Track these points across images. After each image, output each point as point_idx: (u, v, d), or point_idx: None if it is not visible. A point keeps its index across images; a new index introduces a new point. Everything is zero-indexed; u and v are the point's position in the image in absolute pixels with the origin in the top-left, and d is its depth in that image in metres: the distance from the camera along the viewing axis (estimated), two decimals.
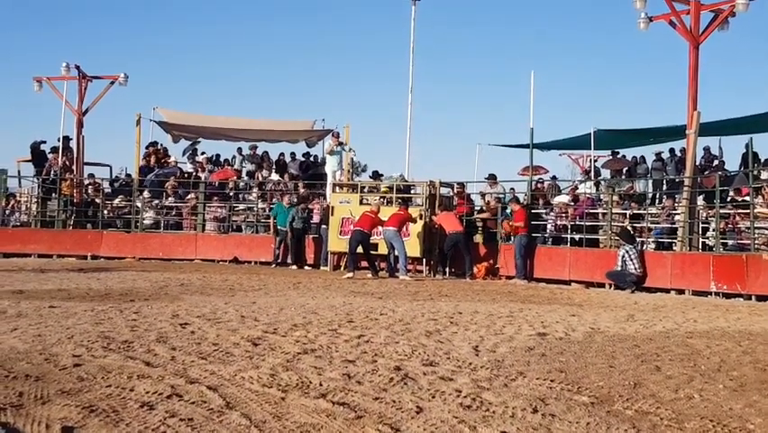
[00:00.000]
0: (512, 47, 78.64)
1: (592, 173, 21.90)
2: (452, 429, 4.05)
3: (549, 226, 17.71)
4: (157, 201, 22.26)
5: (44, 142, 23.48)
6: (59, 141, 23.12)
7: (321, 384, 4.96)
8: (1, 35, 68.13)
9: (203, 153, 25.26)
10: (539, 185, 20.32)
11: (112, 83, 23.43)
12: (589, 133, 20.43)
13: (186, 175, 23.59)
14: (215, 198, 21.85)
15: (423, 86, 65.53)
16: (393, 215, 16.65)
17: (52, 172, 22.42)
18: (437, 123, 73.35)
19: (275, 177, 23.46)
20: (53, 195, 22.38)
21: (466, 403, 4.60)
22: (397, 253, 16.35)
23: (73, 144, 23.44)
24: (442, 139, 75.97)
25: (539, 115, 35.36)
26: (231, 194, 22.19)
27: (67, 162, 22.80)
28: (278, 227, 18.90)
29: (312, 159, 24.94)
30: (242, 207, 22.00)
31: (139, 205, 21.86)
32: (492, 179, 19.66)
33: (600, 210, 17.72)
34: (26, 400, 4.28)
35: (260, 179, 23.35)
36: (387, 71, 72.08)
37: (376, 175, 21.00)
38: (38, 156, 23.20)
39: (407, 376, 5.31)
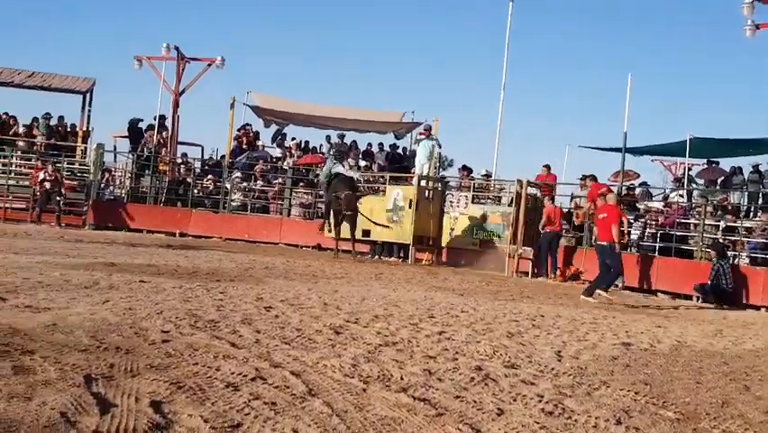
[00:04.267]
0: (609, 48, 77.10)
1: (685, 181, 21.26)
2: None
3: (637, 233, 17.30)
4: (245, 184, 22.65)
5: (141, 120, 24.19)
6: (155, 119, 23.78)
7: (402, 378, 4.95)
8: (106, 14, 70.25)
9: (292, 139, 25.58)
10: (629, 191, 19.84)
11: (209, 65, 23.97)
12: (685, 141, 19.86)
13: (274, 159, 23.94)
14: (301, 183, 22.10)
15: (514, 83, 64.84)
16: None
17: (146, 150, 23.06)
18: (527, 121, 72.52)
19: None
20: (147, 171, 23.02)
21: (548, 409, 4.53)
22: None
23: (168, 123, 24.08)
24: (530, 138, 75.09)
25: (633, 118, 34.66)
26: (316, 180, 22.40)
27: (162, 140, 23.42)
28: None
29: (399, 150, 24.96)
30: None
31: (228, 186, 22.29)
32: (585, 179, 19.19)
33: (693, 220, 17.23)
34: (116, 372, 4.38)
35: (346, 167, 23.48)
36: (479, 67, 71.70)
37: (466, 169, 20.85)
38: (134, 133, 23.89)
39: (488, 377, 5.25)
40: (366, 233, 18.52)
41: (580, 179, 19.25)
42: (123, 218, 21.44)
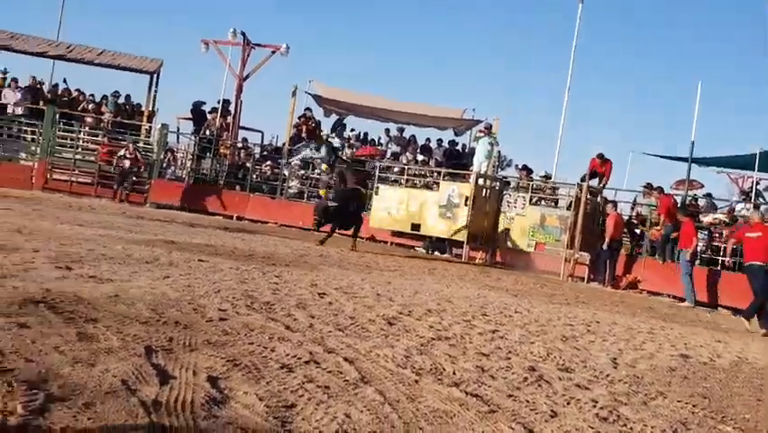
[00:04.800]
0: (679, 55, 75.64)
1: (753, 195, 20.76)
2: None
3: (700, 245, 16.95)
4: (303, 172, 22.80)
5: (204, 102, 24.51)
6: (218, 103, 24.08)
7: (454, 373, 4.93)
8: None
9: (352, 130, 25.67)
10: (693, 201, 19.47)
11: (273, 52, 24.16)
12: (754, 154, 19.41)
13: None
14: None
15: (579, 86, 64.16)
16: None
17: (208, 132, 23.37)
18: (589, 125, 71.59)
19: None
20: (208, 154, 23.33)
21: (602, 415, 4.46)
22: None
23: (231, 108, 24.37)
24: (591, 143, 74.08)
25: (700, 128, 33.99)
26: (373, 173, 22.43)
27: (224, 124, 23.71)
28: None
29: (458, 147, 24.87)
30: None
31: (286, 173, 22.47)
32: (652, 189, 18.88)
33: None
34: (175, 345, 4.45)
35: (404, 161, 23.49)
36: (544, 69, 70.97)
37: (525, 169, 20.67)
38: (197, 115, 24.22)
39: (542, 378, 5.20)
40: (415, 227, 18.52)
41: (644, 186, 18.95)
42: (183, 198, 21.79)
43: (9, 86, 23.38)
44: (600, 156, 19.32)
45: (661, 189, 17.67)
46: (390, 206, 18.93)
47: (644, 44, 75.21)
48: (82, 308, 5.04)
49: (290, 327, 5.60)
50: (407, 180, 20.75)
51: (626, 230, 17.85)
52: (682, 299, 15.15)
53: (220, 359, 4.26)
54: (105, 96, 24.71)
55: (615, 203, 17.71)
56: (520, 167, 21.15)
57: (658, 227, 17.04)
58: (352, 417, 3.64)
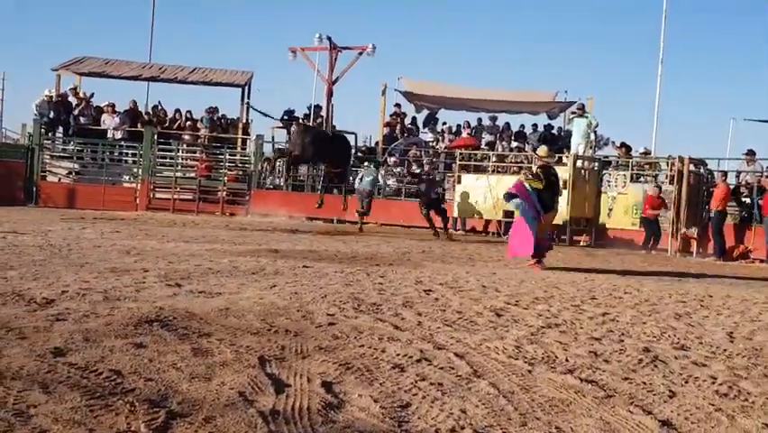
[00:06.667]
0: None
1: None
2: (708, 417, 3.82)
3: None
4: (399, 169, 22.88)
5: (293, 111, 24.85)
6: (308, 108, 24.41)
7: (567, 360, 4.86)
8: (259, 8, 72.50)
9: (444, 123, 25.59)
10: None
11: (360, 53, 24.29)
12: None
13: (427, 144, 24.05)
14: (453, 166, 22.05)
15: (673, 55, 62.08)
16: None
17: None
18: (687, 95, 69.22)
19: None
20: None
21: (722, 391, 4.34)
22: None
23: (322, 113, 24.65)
24: (691, 112, 71.69)
25: None
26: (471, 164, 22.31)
27: None
28: None
29: (554, 131, 24.49)
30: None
31: (382, 172, 22.58)
32: (751, 155, 18.20)
33: None
34: (287, 353, 4.53)
35: (500, 150, 23.26)
36: (634, 41, 68.94)
37: (624, 146, 20.18)
38: (289, 124, 24.56)
39: (657, 359, 5.08)
40: (508, 214, 18.35)
41: (746, 154, 18.26)
42: (283, 206, 22.17)
43: (107, 111, 24.26)
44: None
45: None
46: (475, 194, 18.81)
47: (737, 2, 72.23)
48: (194, 323, 5.19)
49: (399, 326, 5.63)
50: (498, 168, 20.58)
51: (733, 198, 17.22)
52: None
53: (332, 364, 4.32)
54: (203, 118, 25.36)
55: (725, 174, 17.10)
56: (618, 145, 20.69)
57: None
58: (468, 412, 3.63)
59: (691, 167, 17.15)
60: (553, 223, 17.69)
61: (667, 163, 18.52)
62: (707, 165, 18.52)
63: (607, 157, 20.97)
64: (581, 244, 17.71)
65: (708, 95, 69.47)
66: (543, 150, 12.40)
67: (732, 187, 17.40)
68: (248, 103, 24.96)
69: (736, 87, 68.30)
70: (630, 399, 4.05)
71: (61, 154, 24.07)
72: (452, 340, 5.23)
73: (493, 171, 20.17)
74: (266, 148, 24.04)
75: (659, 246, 16.76)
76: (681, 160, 17.03)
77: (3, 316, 5.05)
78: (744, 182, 18.05)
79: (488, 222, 19.81)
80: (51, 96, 23.76)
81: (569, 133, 21.86)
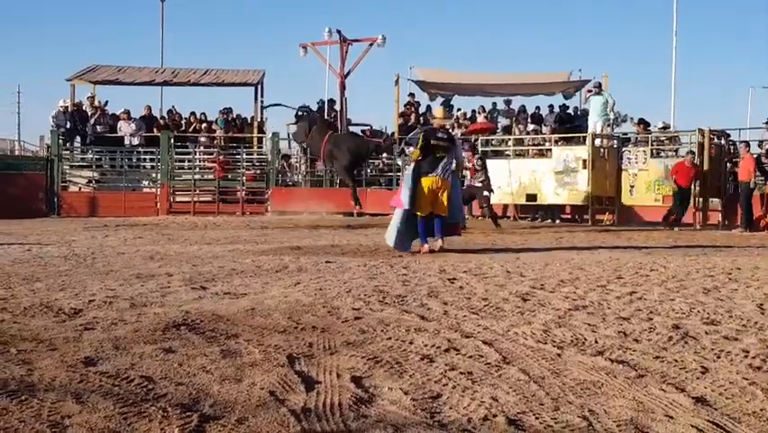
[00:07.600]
0: None
1: None
2: (742, 391, 3.78)
3: None
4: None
5: (307, 106, 24.83)
6: (318, 103, 24.41)
7: (596, 342, 4.83)
8: (270, 7, 72.56)
9: (459, 110, 25.51)
10: None
11: (371, 45, 24.24)
12: None
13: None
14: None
15: (687, 26, 61.49)
16: None
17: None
18: (703, 65, 68.59)
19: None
20: None
21: (755, 364, 4.29)
22: None
23: (336, 107, 24.65)
24: (708, 83, 71.02)
25: None
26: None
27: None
28: None
29: (570, 111, 24.36)
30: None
31: (399, 163, 22.53)
32: None
33: None
34: (315, 350, 4.53)
35: (517, 133, 23.15)
36: (647, 14, 68.37)
37: (642, 122, 20.02)
38: (304, 119, 24.55)
39: (687, 335, 5.04)
40: (531, 197, 18.27)
41: (766, 122, 18.07)
42: (303, 202, 22.20)
43: (122, 118, 24.39)
44: None
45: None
46: (498, 179, 18.71)
47: None
48: (221, 325, 5.21)
49: (425, 316, 5.61)
50: (516, 152, 20.46)
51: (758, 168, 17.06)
52: None
53: (361, 358, 4.31)
54: (217, 120, 25.41)
55: (747, 144, 16.91)
56: (636, 121, 20.53)
57: None
58: (499, 399, 3.61)
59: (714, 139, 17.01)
60: (573, 203, 17.70)
61: (689, 137, 18.36)
62: (729, 136, 18.34)
63: (626, 134, 20.82)
64: (605, 222, 17.61)
65: (724, 64, 68.77)
66: (438, 111, 12.09)
67: (755, 156, 17.24)
68: (261, 101, 25.01)
69: (752, 56, 67.57)
70: (662, 377, 4.02)
71: (80, 164, 24.28)
72: (479, 328, 5.21)
73: (513, 156, 20.07)
74: (282, 144, 24.11)
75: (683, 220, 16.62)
76: (702, 132, 16.88)
77: (32, 328, 5.08)
78: (766, 151, 17.86)
79: (505, 207, 19.71)
80: (67, 107, 23.93)
81: (586, 113, 21.72)
